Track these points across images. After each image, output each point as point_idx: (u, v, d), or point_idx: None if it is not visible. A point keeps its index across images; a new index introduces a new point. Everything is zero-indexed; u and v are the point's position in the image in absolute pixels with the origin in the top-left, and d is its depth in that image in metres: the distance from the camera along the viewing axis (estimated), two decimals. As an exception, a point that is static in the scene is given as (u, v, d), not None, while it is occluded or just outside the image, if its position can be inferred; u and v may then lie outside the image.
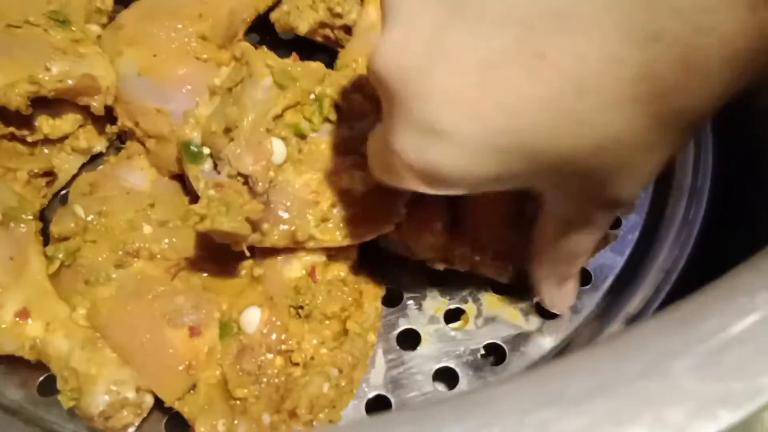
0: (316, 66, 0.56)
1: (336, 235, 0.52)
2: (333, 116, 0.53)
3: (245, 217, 0.47)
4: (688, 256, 0.61)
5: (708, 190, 0.65)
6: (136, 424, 0.50)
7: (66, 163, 0.66)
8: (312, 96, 0.53)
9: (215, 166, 0.52)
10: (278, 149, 0.50)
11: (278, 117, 0.51)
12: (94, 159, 0.69)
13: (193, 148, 0.54)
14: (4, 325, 0.51)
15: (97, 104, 0.63)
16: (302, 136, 0.52)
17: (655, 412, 0.25)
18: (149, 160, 0.61)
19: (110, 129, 0.66)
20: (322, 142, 0.53)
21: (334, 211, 0.52)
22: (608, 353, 0.28)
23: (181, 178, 0.62)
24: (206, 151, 0.53)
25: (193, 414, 0.48)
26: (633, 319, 0.58)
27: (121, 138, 0.69)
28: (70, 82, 0.60)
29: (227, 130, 0.52)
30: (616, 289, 0.60)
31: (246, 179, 0.49)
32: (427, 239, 0.55)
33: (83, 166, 0.68)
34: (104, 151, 0.69)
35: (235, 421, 0.46)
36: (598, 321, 0.58)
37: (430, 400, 0.53)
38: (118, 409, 0.48)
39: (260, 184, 0.49)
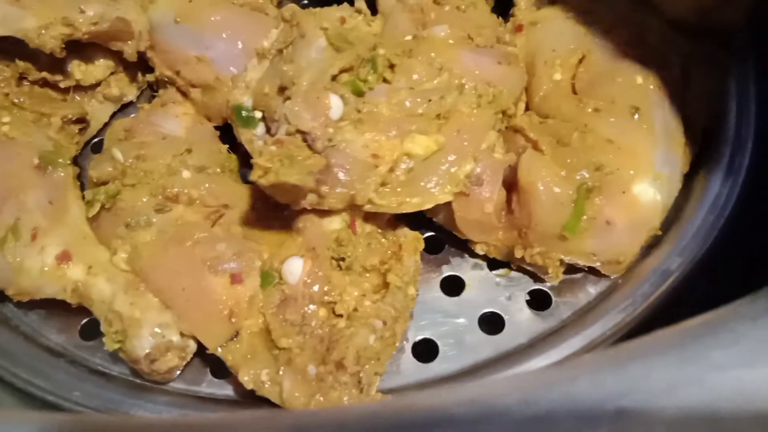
0: (368, 30, 0.55)
1: (392, 200, 0.51)
2: (389, 76, 0.52)
3: (308, 171, 0.46)
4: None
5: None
6: (181, 368, 0.50)
7: (97, 111, 0.65)
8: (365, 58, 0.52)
9: (268, 130, 0.52)
10: (336, 104, 0.49)
11: (334, 77, 0.51)
12: (124, 108, 0.68)
13: (244, 112, 0.53)
14: (46, 267, 0.50)
15: (129, 50, 0.62)
16: (360, 94, 0.51)
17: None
18: (196, 110, 0.60)
19: (146, 77, 0.65)
20: (380, 102, 0.51)
21: (393, 175, 0.51)
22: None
23: (221, 127, 0.61)
24: (258, 114, 0.53)
25: (236, 362, 0.47)
26: (669, 274, 0.57)
27: (153, 87, 0.68)
28: (104, 25, 0.59)
29: (282, 90, 0.51)
30: (652, 244, 0.60)
31: (305, 136, 0.48)
32: (475, 215, 0.53)
33: (114, 115, 0.67)
34: (135, 100, 0.68)
35: (280, 372, 0.46)
36: (638, 270, 0.57)
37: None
38: (163, 352, 0.48)
39: (320, 141, 0.48)
